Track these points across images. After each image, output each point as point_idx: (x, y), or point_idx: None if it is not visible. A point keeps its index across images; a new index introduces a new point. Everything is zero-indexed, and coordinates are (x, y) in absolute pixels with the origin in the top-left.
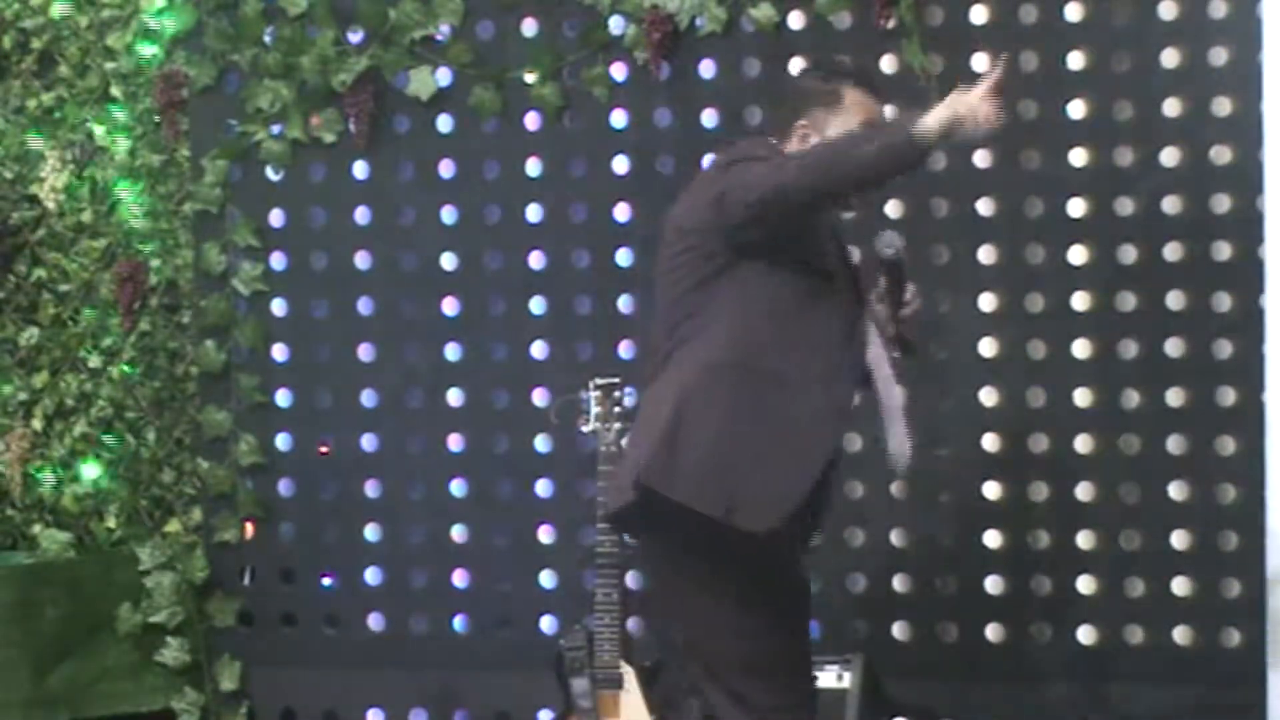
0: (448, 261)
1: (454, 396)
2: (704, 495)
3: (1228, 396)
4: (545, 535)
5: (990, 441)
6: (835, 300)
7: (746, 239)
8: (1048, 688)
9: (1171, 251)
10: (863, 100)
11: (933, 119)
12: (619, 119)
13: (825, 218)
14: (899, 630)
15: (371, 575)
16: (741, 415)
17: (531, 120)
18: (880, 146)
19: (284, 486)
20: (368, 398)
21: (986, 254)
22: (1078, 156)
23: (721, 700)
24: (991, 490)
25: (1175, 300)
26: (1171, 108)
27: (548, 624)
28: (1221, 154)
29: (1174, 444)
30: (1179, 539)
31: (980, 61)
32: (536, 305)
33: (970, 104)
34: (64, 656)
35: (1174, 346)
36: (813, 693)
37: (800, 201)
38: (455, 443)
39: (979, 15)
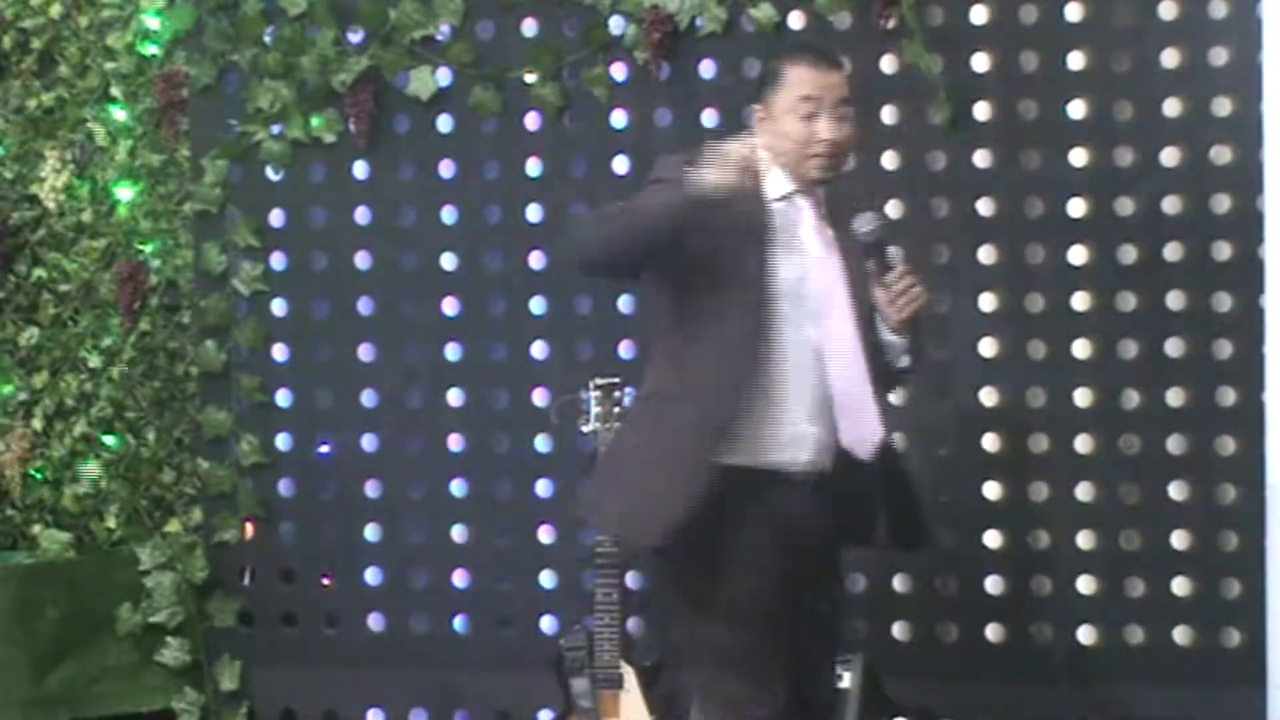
0: (448, 261)
1: (454, 396)
2: (605, 519)
3: (1228, 396)
4: (545, 535)
5: (990, 441)
6: (745, 312)
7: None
8: (1048, 688)
9: (1171, 251)
10: (803, 73)
11: (701, 176)
12: (619, 119)
13: (747, 228)
14: (899, 630)
15: (371, 575)
16: (630, 437)
17: (531, 120)
18: (660, 206)
19: (284, 486)
20: (368, 398)
21: (986, 254)
22: (1078, 156)
23: (698, 690)
24: (991, 490)
25: (1175, 300)
26: (1171, 108)
27: (548, 624)
28: (1221, 154)
29: (1174, 444)
30: (1179, 539)
31: (980, 61)
32: (536, 305)
33: (728, 154)
34: (64, 656)
35: (1174, 346)
36: (788, 690)
37: (595, 259)
38: (455, 443)
39: (979, 15)
